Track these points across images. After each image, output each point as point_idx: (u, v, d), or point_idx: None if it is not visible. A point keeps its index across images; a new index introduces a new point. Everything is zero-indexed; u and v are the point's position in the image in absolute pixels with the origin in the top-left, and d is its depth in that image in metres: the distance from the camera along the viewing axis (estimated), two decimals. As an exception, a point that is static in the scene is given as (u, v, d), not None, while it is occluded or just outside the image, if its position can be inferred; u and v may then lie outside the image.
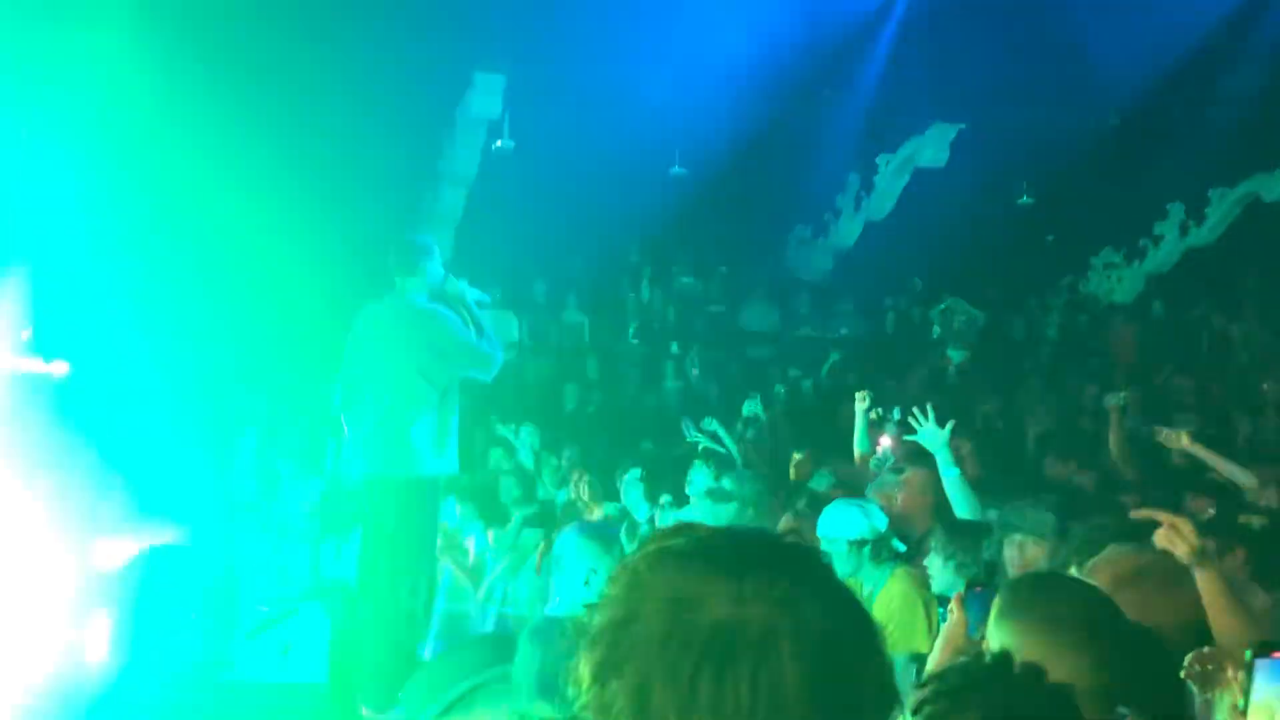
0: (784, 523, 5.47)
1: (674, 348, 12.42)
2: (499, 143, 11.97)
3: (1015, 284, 13.83)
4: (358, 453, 5.53)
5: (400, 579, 5.33)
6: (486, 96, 11.91)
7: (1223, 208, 13.00)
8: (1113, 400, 7.29)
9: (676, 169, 12.70)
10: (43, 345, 8.06)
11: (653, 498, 7.33)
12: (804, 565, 1.22)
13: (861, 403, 6.77)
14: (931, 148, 12.68)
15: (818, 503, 5.32)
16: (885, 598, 4.42)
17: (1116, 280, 14.43)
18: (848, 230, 14.18)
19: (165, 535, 7.47)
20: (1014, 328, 13.19)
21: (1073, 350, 12.16)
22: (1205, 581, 2.79)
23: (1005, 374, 11.38)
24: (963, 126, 12.55)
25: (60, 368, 8.03)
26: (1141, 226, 14.11)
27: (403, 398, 5.35)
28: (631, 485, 6.97)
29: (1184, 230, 13.47)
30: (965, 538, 4.24)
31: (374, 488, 5.50)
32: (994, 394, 10.53)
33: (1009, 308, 13.49)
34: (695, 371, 11.78)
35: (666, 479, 7.40)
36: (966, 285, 12.94)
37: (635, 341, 12.62)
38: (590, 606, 1.23)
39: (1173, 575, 2.86)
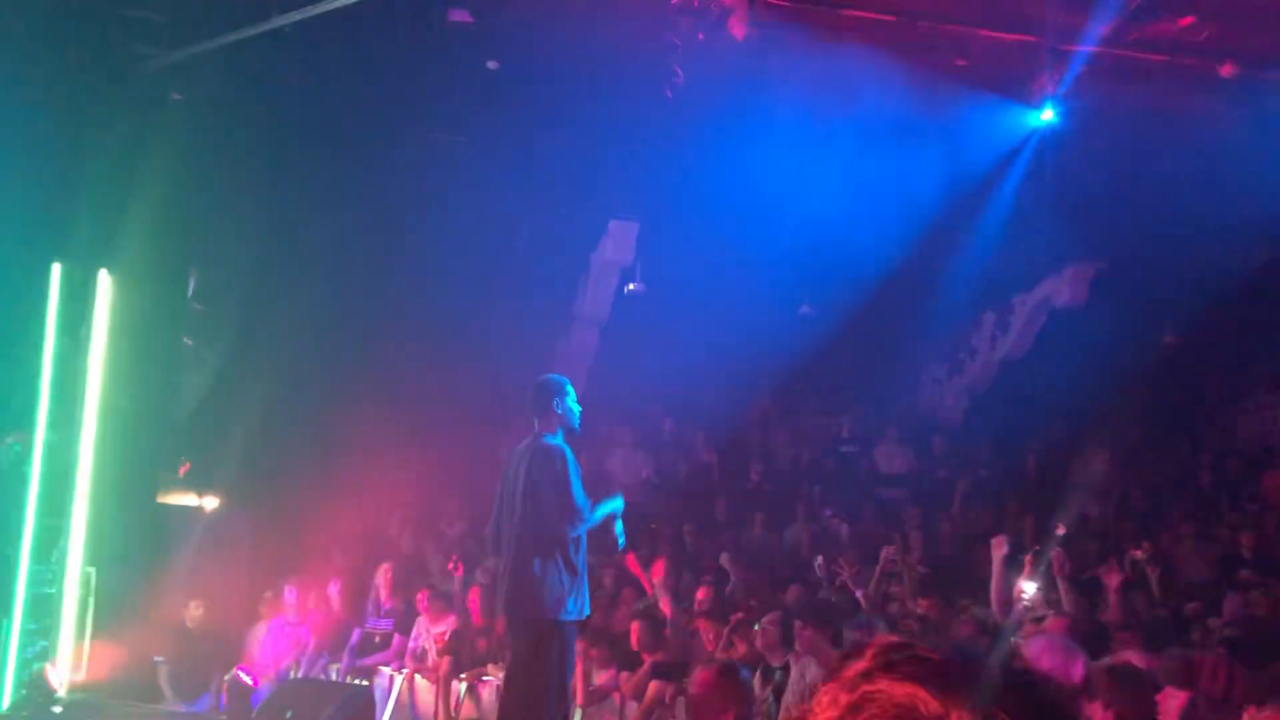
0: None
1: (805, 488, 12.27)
2: (631, 286, 12.26)
3: (1162, 426, 13.29)
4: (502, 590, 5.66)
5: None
6: (620, 243, 12.27)
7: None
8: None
9: (805, 308, 12.77)
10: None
11: (789, 643, 7.18)
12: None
13: (1000, 549, 6.56)
14: (1069, 287, 12.50)
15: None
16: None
17: (1273, 422, 13.77)
18: (984, 371, 13.95)
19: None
20: (1163, 472, 12.61)
21: (1225, 495, 11.54)
22: None
23: (1154, 519, 10.86)
24: (1101, 265, 12.36)
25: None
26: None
27: (530, 536, 5.47)
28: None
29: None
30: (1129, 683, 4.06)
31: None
32: (1142, 539, 10.03)
33: (1157, 451, 12.93)
34: (828, 513, 11.59)
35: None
36: (1110, 427, 12.48)
37: (761, 482, 12.51)
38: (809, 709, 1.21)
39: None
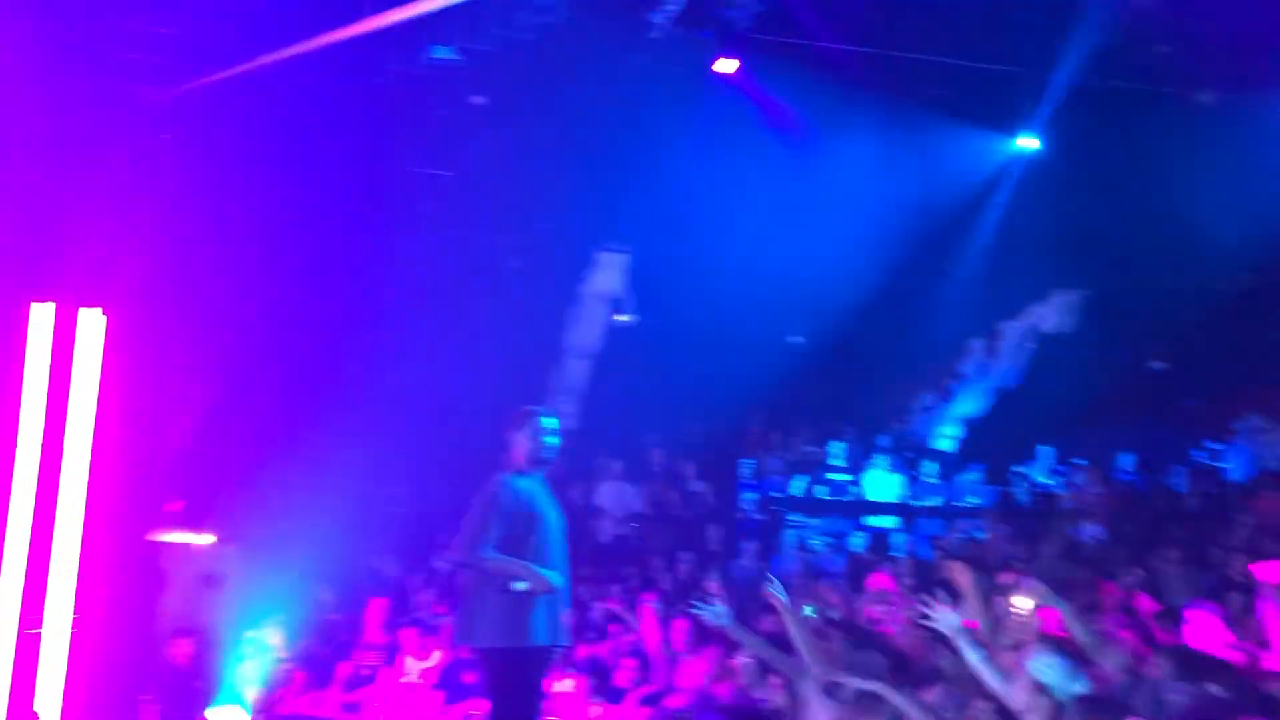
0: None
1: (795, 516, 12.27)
2: (621, 316, 12.33)
3: (1153, 451, 13.31)
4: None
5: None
6: (609, 274, 12.34)
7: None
8: None
9: (795, 337, 12.85)
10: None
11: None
12: None
13: (963, 574, 6.57)
14: (1056, 313, 12.58)
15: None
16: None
17: (1265, 445, 13.77)
18: (973, 397, 14.00)
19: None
20: (1153, 497, 12.61)
21: (1217, 519, 11.53)
22: None
23: (1145, 545, 10.84)
24: (1087, 292, 12.45)
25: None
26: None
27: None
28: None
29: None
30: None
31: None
32: (1134, 566, 10.03)
33: (1147, 476, 12.94)
34: (816, 542, 11.59)
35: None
36: (1101, 453, 12.51)
37: (753, 512, 12.52)
38: None
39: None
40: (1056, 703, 4.37)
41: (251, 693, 9.00)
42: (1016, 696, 4.56)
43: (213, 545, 10.30)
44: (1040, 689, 4.45)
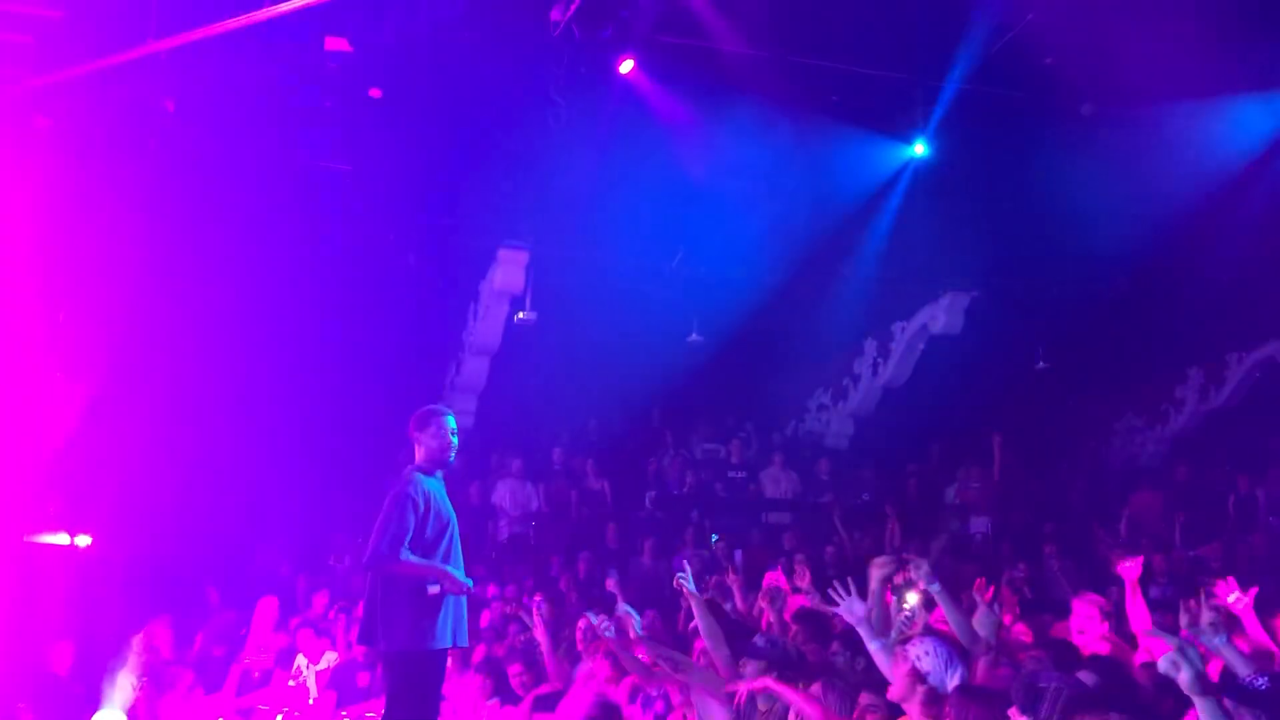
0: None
1: (694, 515, 12.38)
2: (521, 314, 12.27)
3: (1037, 449, 13.76)
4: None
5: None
6: (510, 271, 12.27)
7: (1240, 371, 13.05)
8: None
9: (694, 336, 12.95)
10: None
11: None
12: None
13: (880, 569, 6.70)
14: (945, 315, 12.91)
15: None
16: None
17: (1139, 445, 14.39)
18: (867, 396, 14.29)
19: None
20: (1037, 493, 13.05)
21: (1097, 516, 11.99)
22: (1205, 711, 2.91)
23: (1029, 540, 11.22)
24: (975, 294, 12.79)
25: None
26: (1163, 391, 14.14)
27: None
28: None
29: (1204, 394, 13.49)
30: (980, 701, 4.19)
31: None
32: (1020, 560, 10.36)
33: (1031, 473, 13.38)
34: (715, 538, 11.70)
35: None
36: (987, 450, 12.89)
37: (653, 509, 12.59)
38: None
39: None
40: (933, 690, 4.49)
41: (134, 699, 8.75)
42: (895, 686, 4.67)
43: (91, 546, 9.97)
44: (919, 677, 4.56)
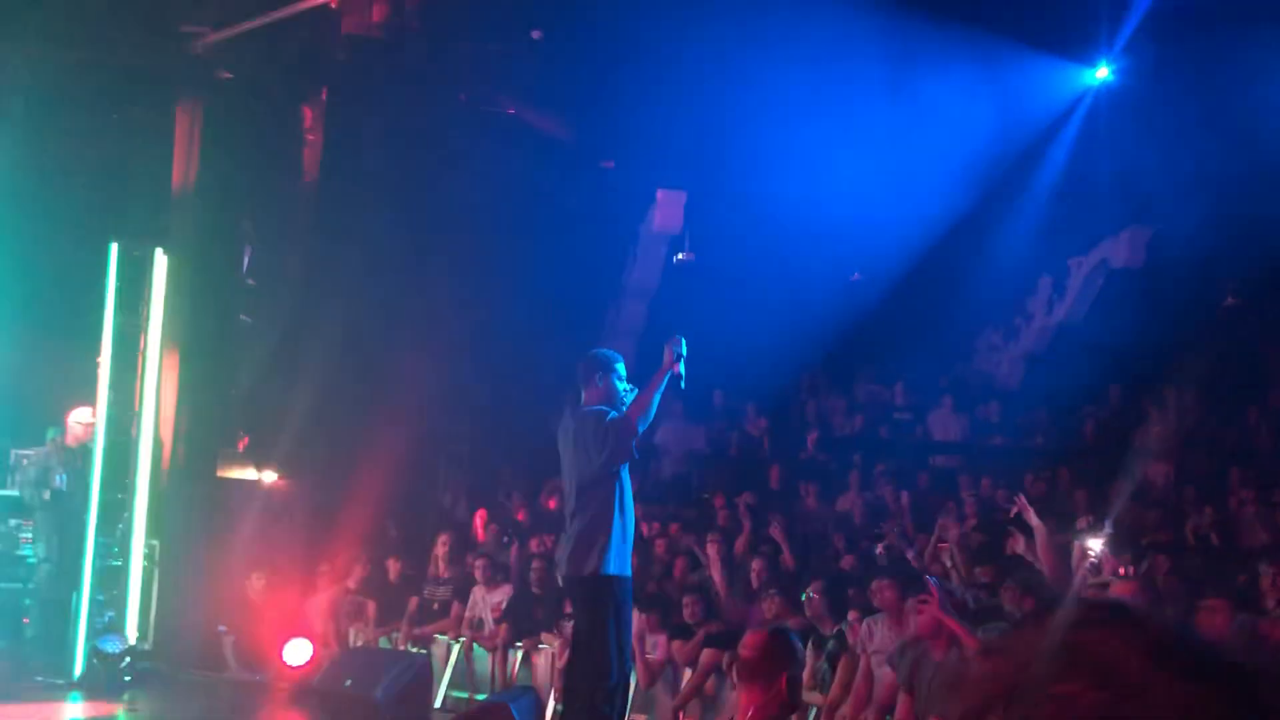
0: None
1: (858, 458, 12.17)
2: (681, 255, 12.21)
3: (1222, 390, 12.99)
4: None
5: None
6: (669, 212, 12.22)
7: None
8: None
9: (856, 275, 12.66)
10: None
11: (839, 612, 7.17)
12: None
13: (1025, 509, 6.51)
14: (1126, 249, 12.27)
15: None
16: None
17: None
18: (1040, 335, 13.75)
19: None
20: (1222, 439, 12.35)
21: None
22: None
23: (1216, 486, 10.64)
24: (1159, 227, 12.11)
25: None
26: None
27: (574, 499, 5.51)
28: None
29: None
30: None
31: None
32: (1205, 506, 9.85)
33: (1218, 416, 12.66)
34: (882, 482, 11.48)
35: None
36: (1169, 392, 12.23)
37: (815, 451, 12.43)
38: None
39: None
40: None
41: (322, 624, 9.16)
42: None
43: (277, 480, 10.46)
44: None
